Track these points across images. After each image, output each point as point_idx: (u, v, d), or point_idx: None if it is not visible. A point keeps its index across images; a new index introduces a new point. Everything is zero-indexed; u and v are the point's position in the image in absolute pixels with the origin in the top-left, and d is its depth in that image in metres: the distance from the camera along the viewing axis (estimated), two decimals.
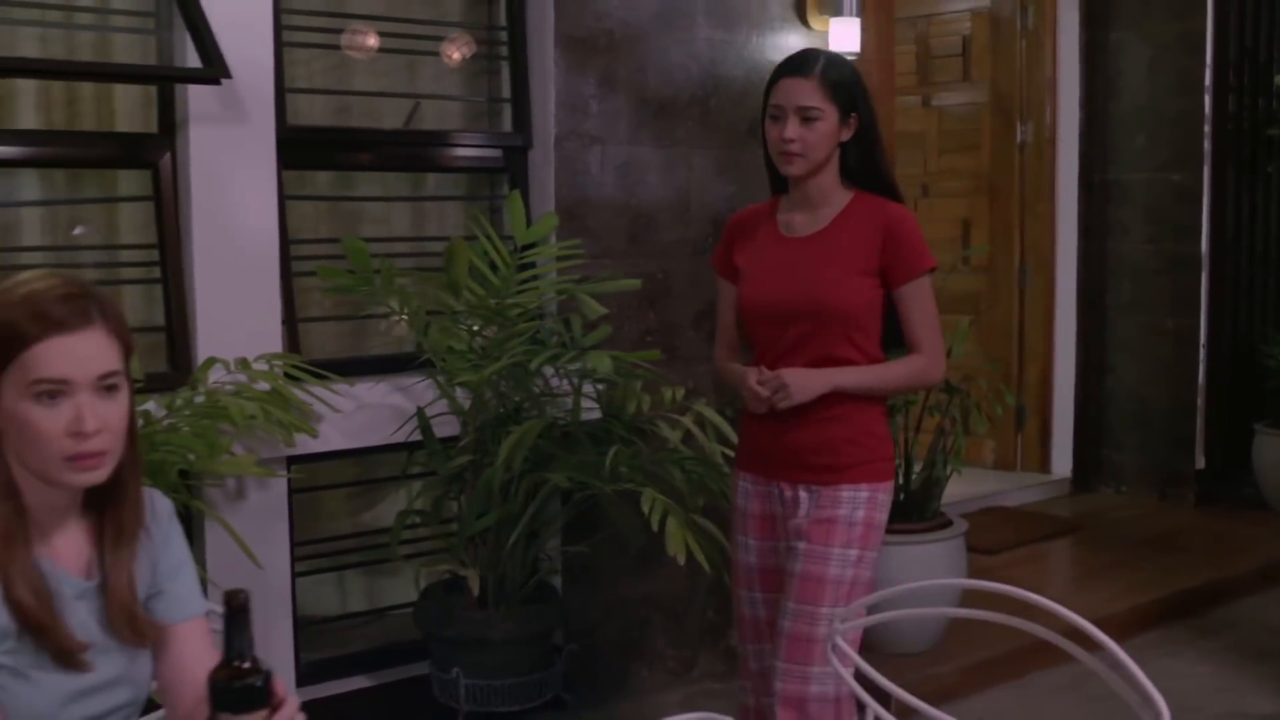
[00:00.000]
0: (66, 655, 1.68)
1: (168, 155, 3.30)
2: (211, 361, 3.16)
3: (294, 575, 3.51)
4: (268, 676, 1.47)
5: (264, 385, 3.15)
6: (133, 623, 1.77)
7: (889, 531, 4.03)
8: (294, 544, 3.51)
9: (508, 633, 3.37)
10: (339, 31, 3.75)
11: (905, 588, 2.52)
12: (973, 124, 6.37)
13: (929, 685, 4.01)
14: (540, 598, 3.62)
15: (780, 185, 2.92)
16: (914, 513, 4.14)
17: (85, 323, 1.65)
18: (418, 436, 3.55)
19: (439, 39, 3.93)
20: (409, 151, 3.80)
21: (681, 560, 3.07)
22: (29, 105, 3.36)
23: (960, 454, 4.10)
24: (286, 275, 3.46)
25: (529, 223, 3.59)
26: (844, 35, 4.29)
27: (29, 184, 3.37)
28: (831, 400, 2.76)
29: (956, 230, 6.43)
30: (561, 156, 3.82)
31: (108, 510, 1.77)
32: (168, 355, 3.33)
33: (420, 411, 3.52)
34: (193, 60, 3.20)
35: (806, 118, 2.74)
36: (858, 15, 4.31)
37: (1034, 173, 6.21)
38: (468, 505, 3.49)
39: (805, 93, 2.75)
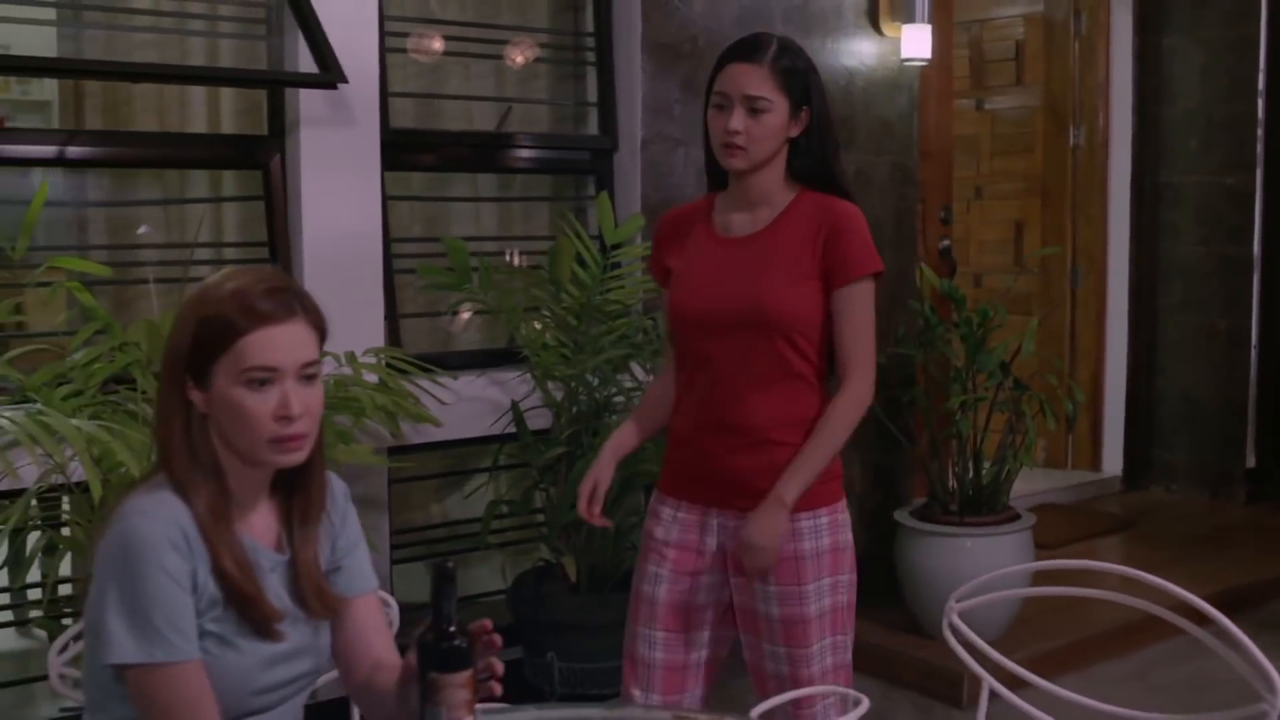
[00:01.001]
0: (265, 624, 1.81)
1: (277, 157, 3.43)
2: (323, 355, 3.28)
3: (392, 563, 3.65)
4: (471, 640, 1.59)
5: (371, 377, 3.28)
6: (320, 595, 1.90)
7: (962, 524, 4.19)
8: (391, 532, 3.65)
9: (603, 617, 3.49)
10: (432, 37, 3.89)
11: (1005, 571, 2.61)
12: (1025, 127, 6.47)
13: (1000, 674, 4.13)
14: (629, 584, 3.73)
15: (719, 181, 2.62)
16: (983, 506, 4.25)
17: (290, 315, 1.78)
18: (510, 428, 3.67)
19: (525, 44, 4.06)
20: (502, 153, 3.92)
21: None
22: (146, 109, 3.50)
23: (1031, 450, 4.21)
24: (388, 272, 3.59)
25: (616, 223, 3.72)
26: (916, 41, 4.41)
27: (139, 184, 3.53)
28: (774, 417, 2.50)
29: (1009, 232, 6.53)
30: (647, 159, 3.95)
31: (297, 490, 1.90)
32: None
33: (515, 405, 3.64)
34: (303, 64, 3.34)
35: (754, 109, 2.46)
36: (929, 22, 4.42)
37: (1086, 175, 6.30)
38: (561, 495, 3.62)
39: (754, 81, 2.46)
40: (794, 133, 2.52)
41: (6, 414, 2.61)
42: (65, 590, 3.26)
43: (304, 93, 3.36)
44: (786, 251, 2.50)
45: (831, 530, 2.55)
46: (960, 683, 4.04)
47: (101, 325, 3.04)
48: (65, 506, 3.03)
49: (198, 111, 3.60)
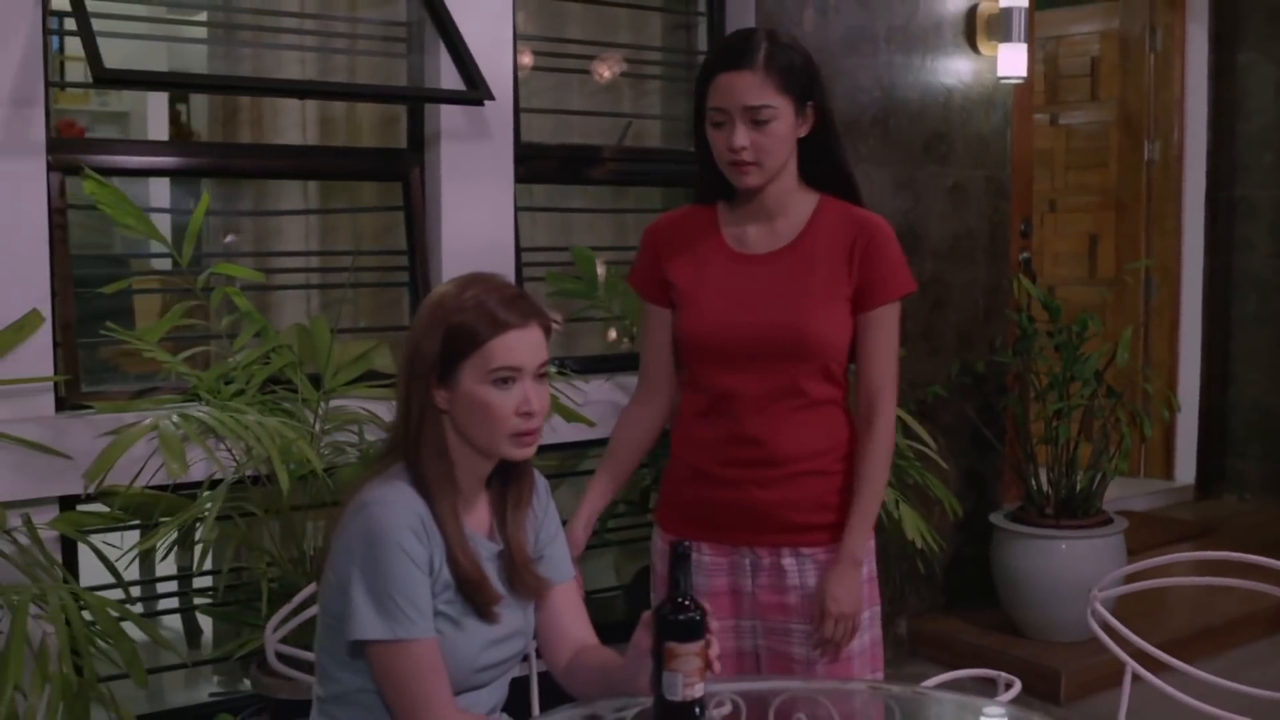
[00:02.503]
0: (487, 607, 1.98)
1: (417, 169, 3.61)
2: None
3: None
4: (704, 613, 1.75)
5: None
6: (532, 580, 2.06)
7: (1058, 527, 4.32)
8: None
9: None
10: (558, 55, 4.05)
11: (1144, 564, 2.72)
12: (1100, 142, 6.59)
13: (1092, 673, 4.26)
14: None
15: (719, 193, 2.41)
16: (1078, 510, 4.39)
17: (528, 320, 1.96)
18: None
19: (642, 61, 4.22)
20: (623, 166, 4.09)
21: (920, 544, 3.32)
22: (291, 123, 3.68)
23: (1127, 456, 4.33)
24: (519, 280, 3.75)
25: None
26: (1012, 60, 4.55)
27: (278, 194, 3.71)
28: (812, 448, 2.36)
29: (1084, 245, 6.65)
30: None
31: (511, 481, 2.07)
32: None
33: None
34: (445, 81, 3.50)
35: (757, 120, 2.26)
36: (1024, 41, 4.56)
37: (1161, 189, 6.42)
38: None
39: (751, 89, 2.25)
40: (803, 132, 2.33)
41: (202, 411, 2.78)
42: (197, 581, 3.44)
43: (445, 108, 3.53)
44: (820, 271, 2.34)
45: (868, 558, 2.42)
46: (1058, 680, 4.17)
47: (258, 329, 3.22)
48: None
49: (336, 126, 3.78)
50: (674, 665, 1.72)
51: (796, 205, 2.38)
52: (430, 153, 3.59)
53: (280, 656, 2.46)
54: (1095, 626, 2.54)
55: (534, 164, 3.81)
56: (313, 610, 2.45)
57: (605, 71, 4.29)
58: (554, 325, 2.03)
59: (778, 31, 2.36)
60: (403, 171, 3.60)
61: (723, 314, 2.35)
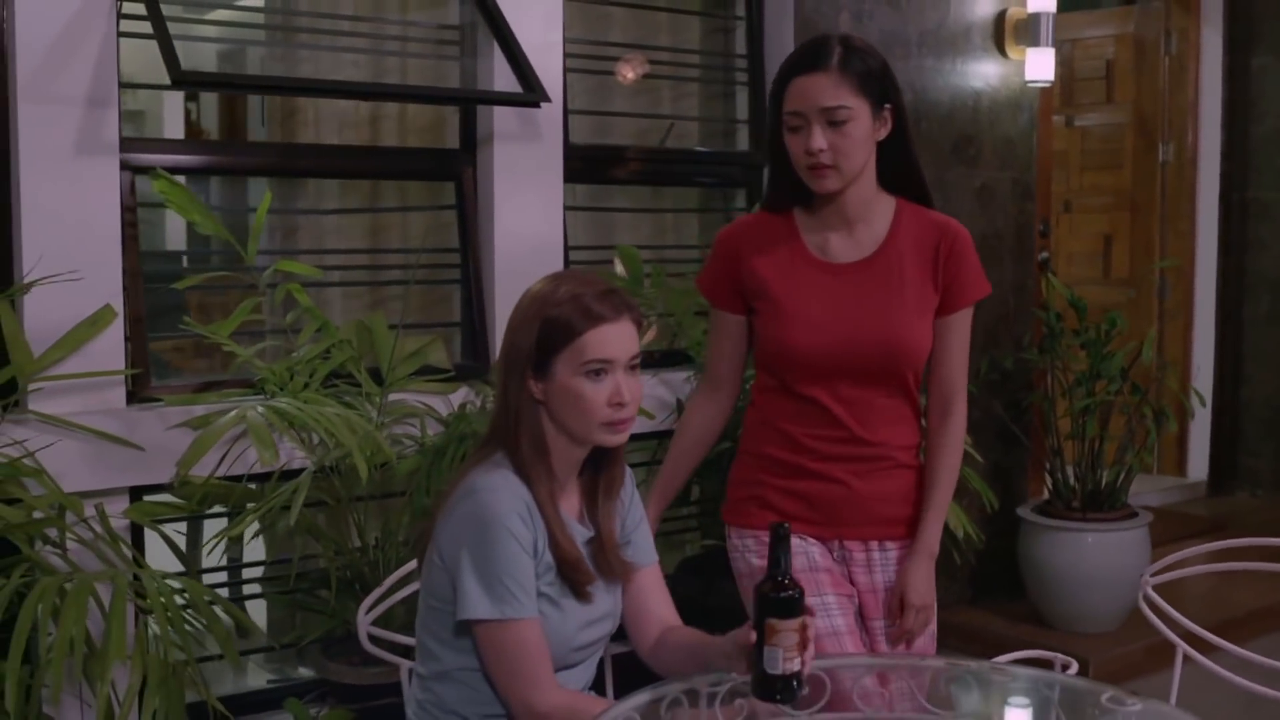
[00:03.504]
0: (582, 589, 2.08)
1: (470, 169, 3.70)
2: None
3: None
4: (802, 592, 1.85)
5: None
6: (621, 564, 2.16)
7: (1085, 520, 4.43)
8: None
9: None
10: (601, 58, 4.15)
11: (1185, 553, 2.82)
12: (1115, 143, 6.70)
13: (1118, 662, 4.37)
14: None
15: (793, 199, 2.42)
16: (1104, 504, 4.49)
17: (620, 314, 2.05)
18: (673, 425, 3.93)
19: (681, 64, 4.32)
20: (665, 167, 4.18)
21: (961, 535, 3.43)
22: (344, 124, 3.78)
23: (1153, 450, 4.44)
24: None
25: None
26: (1039, 64, 4.65)
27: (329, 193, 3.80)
28: (902, 444, 2.45)
29: (1098, 245, 6.76)
30: None
31: (603, 468, 2.16)
32: (467, 348, 3.72)
33: (680, 403, 3.90)
34: (499, 83, 3.60)
35: (833, 121, 2.27)
36: (1051, 45, 4.67)
37: (1175, 190, 6.53)
38: (715, 488, 3.86)
39: (827, 91, 2.26)
40: (881, 136, 2.34)
41: (284, 403, 2.87)
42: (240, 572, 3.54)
43: (498, 110, 3.62)
44: (909, 282, 2.37)
45: None
46: (1086, 670, 4.26)
47: (319, 325, 3.31)
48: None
49: (387, 126, 3.87)
50: (774, 640, 1.82)
51: (877, 212, 2.40)
52: (483, 153, 3.68)
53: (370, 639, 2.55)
54: (1146, 609, 2.64)
55: (581, 164, 3.90)
56: (401, 593, 2.55)
57: (629, 73, 4.38)
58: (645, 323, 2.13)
59: (851, 36, 2.38)
60: (456, 171, 3.69)
61: (818, 328, 2.36)
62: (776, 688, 1.83)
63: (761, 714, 1.97)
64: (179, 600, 2.51)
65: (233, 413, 2.79)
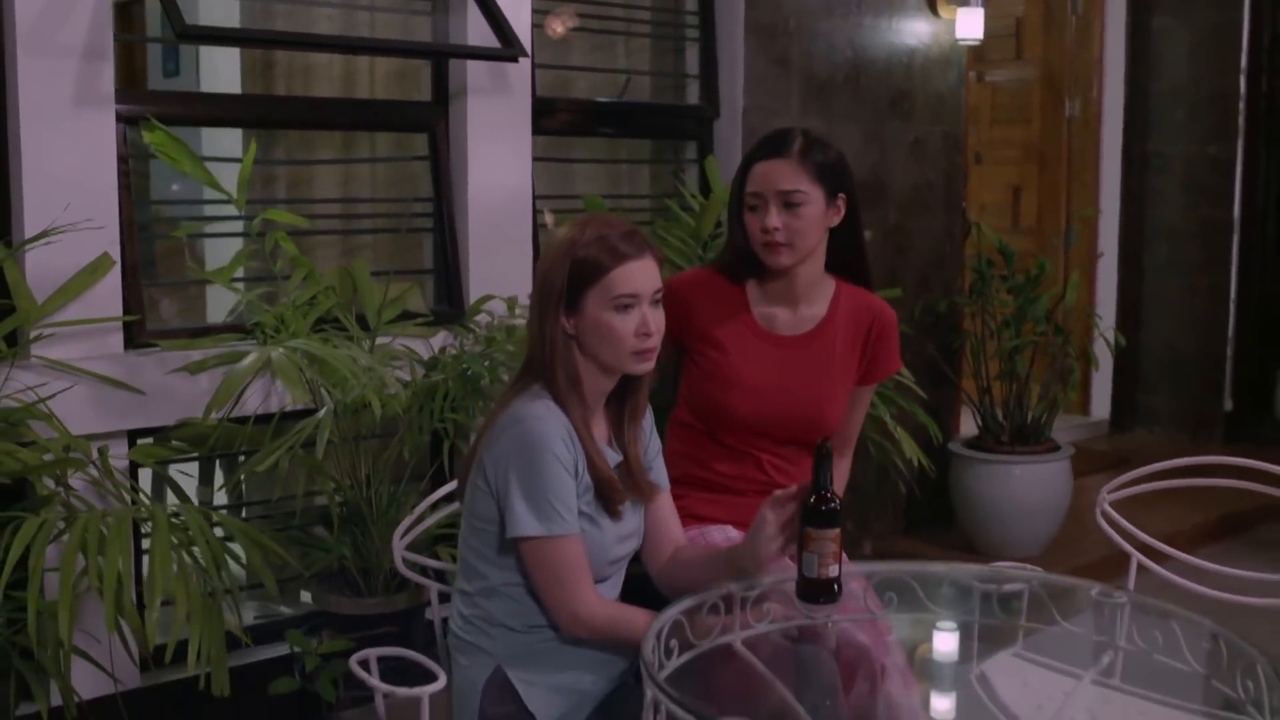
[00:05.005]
0: (615, 508, 2.27)
1: (443, 121, 3.82)
2: (487, 298, 3.71)
3: None
4: (840, 505, 2.05)
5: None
6: (646, 485, 2.35)
7: (1014, 453, 4.72)
8: None
9: None
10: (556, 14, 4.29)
11: (1150, 468, 3.07)
12: (1023, 98, 7.00)
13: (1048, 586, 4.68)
14: None
15: (749, 272, 2.65)
16: (1030, 438, 4.79)
17: (643, 252, 2.23)
18: None
19: (633, 20, 4.47)
20: (622, 120, 4.34)
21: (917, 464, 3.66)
22: (318, 78, 3.88)
23: (1075, 387, 4.74)
24: (534, 226, 4.00)
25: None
26: (969, 23, 4.90)
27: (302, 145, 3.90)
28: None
29: (1007, 196, 7.07)
30: (747, 125, 4.39)
31: (629, 395, 2.34)
32: (442, 294, 3.86)
33: None
34: (472, 38, 3.72)
35: (789, 203, 2.52)
36: (981, 5, 4.91)
37: (1080, 144, 6.86)
38: None
39: (785, 175, 2.52)
40: (834, 222, 2.58)
41: (298, 344, 2.99)
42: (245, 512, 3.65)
43: (470, 64, 3.75)
44: (839, 358, 2.62)
45: None
46: None
47: (306, 272, 3.43)
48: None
49: (363, 80, 3.98)
50: (812, 548, 2.03)
51: (820, 291, 2.65)
52: (456, 106, 3.81)
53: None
54: (1103, 523, 2.89)
55: (546, 117, 4.05)
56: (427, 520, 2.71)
57: (558, 27, 4.52)
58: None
59: (810, 130, 2.64)
60: (429, 123, 3.82)
61: (756, 393, 2.60)
62: (819, 590, 2.04)
63: (780, 616, 2.17)
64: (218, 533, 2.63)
65: (252, 356, 2.90)
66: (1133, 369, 6.91)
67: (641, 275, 2.22)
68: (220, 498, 3.63)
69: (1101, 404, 6.99)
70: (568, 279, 2.21)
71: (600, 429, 2.33)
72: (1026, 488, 4.71)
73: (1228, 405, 6.70)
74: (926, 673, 2.48)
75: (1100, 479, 6.28)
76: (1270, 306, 6.70)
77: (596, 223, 2.26)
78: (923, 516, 5.07)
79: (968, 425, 5.21)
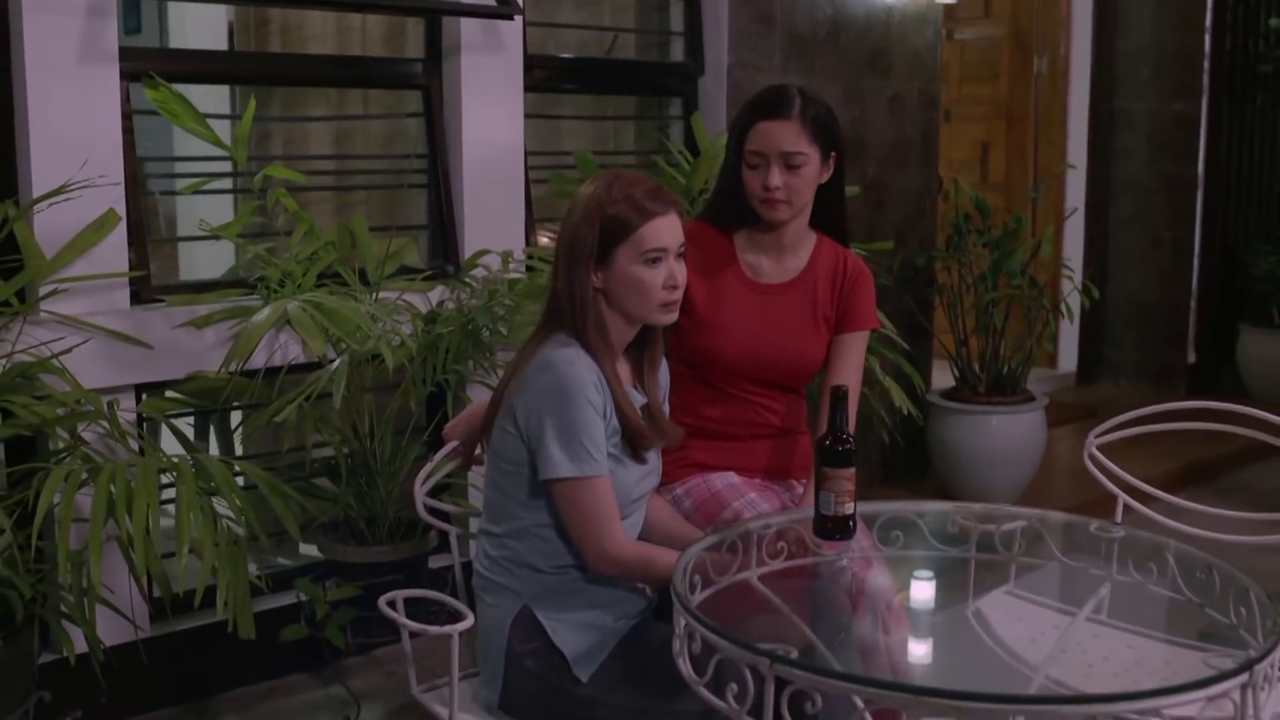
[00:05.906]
0: (639, 449, 2.36)
1: (436, 79, 3.87)
2: (483, 252, 3.77)
3: None
4: (855, 446, 2.15)
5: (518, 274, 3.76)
6: (667, 427, 2.44)
7: (990, 403, 4.85)
8: None
9: None
10: None
11: (1135, 414, 3.19)
12: (992, 56, 7.11)
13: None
14: None
15: (740, 222, 2.72)
16: (1007, 388, 4.92)
17: (668, 208, 2.32)
18: None
19: None
20: (609, 77, 4.41)
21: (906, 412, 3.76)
22: (312, 35, 3.91)
23: (1052, 339, 4.87)
24: (526, 182, 4.06)
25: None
26: None
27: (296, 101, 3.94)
28: (796, 418, 2.80)
29: (976, 152, 7.19)
30: (732, 83, 4.47)
31: (648, 344, 2.44)
32: (437, 249, 3.92)
33: None
34: None
35: (790, 164, 2.58)
36: None
37: (1048, 101, 6.98)
38: None
39: (788, 137, 2.58)
40: (824, 178, 2.67)
41: (310, 296, 3.05)
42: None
43: (464, 21, 3.80)
44: (818, 305, 2.70)
45: None
46: None
47: (306, 228, 3.48)
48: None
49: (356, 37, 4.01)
50: (828, 486, 2.13)
51: (804, 243, 2.74)
52: (449, 63, 3.86)
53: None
54: (1091, 466, 3.01)
55: (537, 74, 4.10)
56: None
57: None
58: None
59: (805, 87, 2.71)
60: (423, 81, 3.86)
61: (743, 338, 2.66)
62: (835, 527, 2.14)
63: (798, 553, 2.28)
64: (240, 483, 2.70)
65: (268, 310, 2.96)
66: (1098, 322, 7.06)
67: (668, 230, 2.31)
68: (214, 451, 3.69)
69: (1068, 357, 7.13)
70: (599, 236, 2.29)
71: (626, 374, 2.42)
72: (1003, 437, 4.84)
73: (1191, 357, 6.87)
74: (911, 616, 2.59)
75: (1070, 429, 6.53)
76: (1233, 260, 6.86)
77: (622, 181, 2.34)
78: (901, 465, 5.19)
79: (940, 378, 5.33)
